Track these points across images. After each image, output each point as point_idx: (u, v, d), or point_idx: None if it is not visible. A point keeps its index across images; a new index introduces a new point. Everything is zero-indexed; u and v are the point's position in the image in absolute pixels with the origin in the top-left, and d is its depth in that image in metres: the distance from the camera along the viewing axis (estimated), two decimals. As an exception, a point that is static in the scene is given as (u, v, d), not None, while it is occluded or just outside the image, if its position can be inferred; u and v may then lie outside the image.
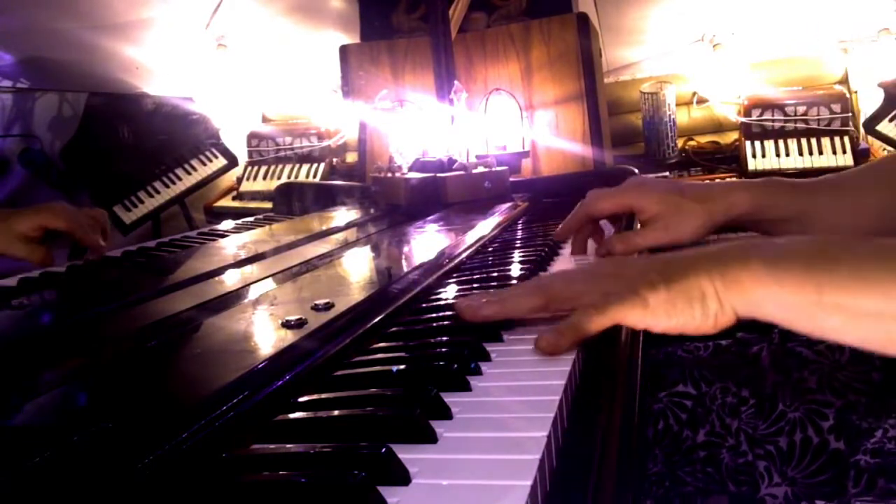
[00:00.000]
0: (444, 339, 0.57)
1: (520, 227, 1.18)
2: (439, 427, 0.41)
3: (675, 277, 0.54)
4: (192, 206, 2.37)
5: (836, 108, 2.10)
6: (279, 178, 2.44)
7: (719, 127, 2.32)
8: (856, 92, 2.22)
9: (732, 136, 2.27)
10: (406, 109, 1.61)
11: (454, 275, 0.82)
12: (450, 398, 0.44)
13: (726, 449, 0.73)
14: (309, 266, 0.82)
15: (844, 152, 2.07)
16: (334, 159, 2.49)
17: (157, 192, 2.18)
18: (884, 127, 2.06)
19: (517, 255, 0.89)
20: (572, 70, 1.75)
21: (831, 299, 0.49)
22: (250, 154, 2.55)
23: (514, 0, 1.96)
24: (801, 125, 2.13)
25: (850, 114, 2.11)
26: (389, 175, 1.45)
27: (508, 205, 1.32)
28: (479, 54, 1.84)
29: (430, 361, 0.51)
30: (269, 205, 1.92)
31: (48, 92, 2.05)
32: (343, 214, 1.42)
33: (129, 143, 2.14)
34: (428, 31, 1.75)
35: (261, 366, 0.46)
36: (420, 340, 0.58)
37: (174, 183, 2.24)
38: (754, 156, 2.13)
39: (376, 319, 0.61)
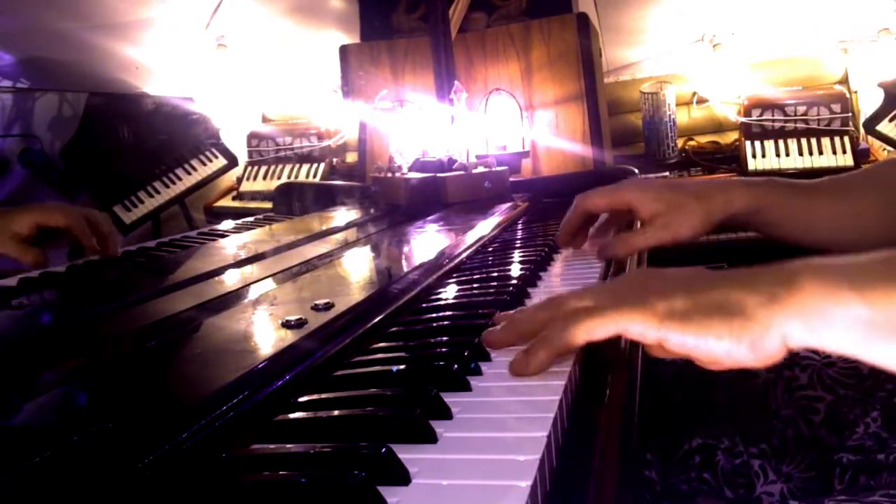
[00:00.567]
0: (444, 339, 0.57)
1: (520, 227, 1.18)
2: (439, 427, 0.41)
3: (698, 286, 0.44)
4: (192, 206, 2.38)
5: (836, 108, 2.10)
6: (279, 178, 2.45)
7: (719, 127, 2.32)
8: (856, 92, 2.22)
9: (732, 136, 2.28)
10: (406, 109, 1.61)
11: (454, 275, 0.82)
12: (450, 398, 0.44)
13: (722, 451, 0.73)
14: (309, 266, 0.82)
15: (844, 152, 2.07)
16: (334, 159, 2.49)
17: (157, 192, 2.18)
18: (884, 127, 2.06)
19: (517, 255, 0.89)
20: (572, 70, 1.75)
21: None
22: (250, 154, 2.55)
23: (514, 0, 1.96)
24: (801, 125, 2.13)
25: (850, 114, 2.11)
26: (389, 175, 1.45)
27: (508, 205, 1.32)
28: (479, 54, 1.84)
29: (430, 361, 0.51)
30: (269, 205, 1.92)
31: (48, 92, 2.05)
32: (343, 214, 1.42)
33: (129, 143, 2.14)
34: (428, 31, 1.75)
35: (261, 366, 0.46)
36: (420, 340, 0.58)
37: (174, 183, 2.24)
38: (754, 156, 2.13)
39: (376, 319, 0.61)
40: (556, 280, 0.79)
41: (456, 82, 1.56)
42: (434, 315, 0.65)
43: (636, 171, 1.56)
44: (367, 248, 0.99)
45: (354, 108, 1.90)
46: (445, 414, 0.43)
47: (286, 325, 0.54)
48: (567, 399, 0.45)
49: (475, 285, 0.75)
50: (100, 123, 2.06)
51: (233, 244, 1.11)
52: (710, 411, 0.76)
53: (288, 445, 0.39)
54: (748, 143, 2.15)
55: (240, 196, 2.49)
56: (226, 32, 2.33)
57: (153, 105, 2.23)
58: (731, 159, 2.24)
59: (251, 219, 1.54)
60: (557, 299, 0.52)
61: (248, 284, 0.73)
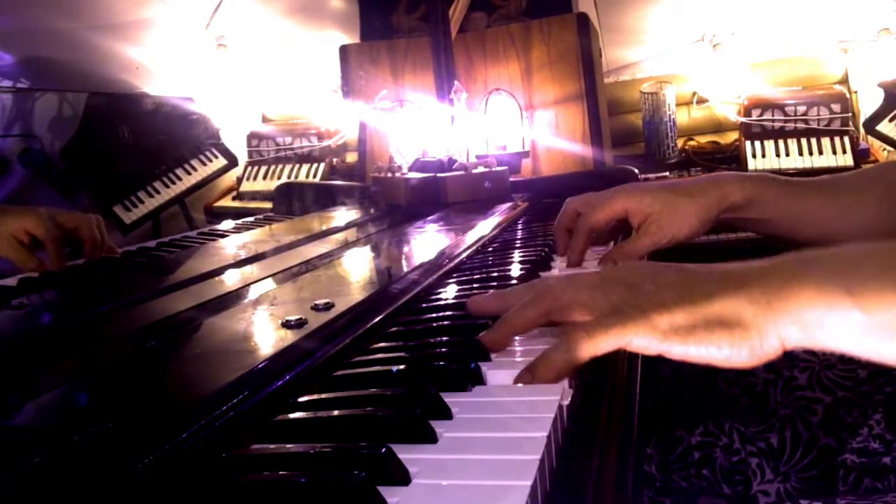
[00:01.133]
0: (444, 339, 0.57)
1: (520, 227, 1.18)
2: (439, 427, 0.41)
3: (695, 298, 0.45)
4: (192, 206, 2.38)
5: (836, 108, 2.10)
6: (279, 178, 2.44)
7: (719, 127, 2.32)
8: (856, 92, 2.22)
9: (732, 136, 2.28)
10: (406, 109, 1.61)
11: (454, 275, 0.82)
12: (450, 398, 0.44)
13: (720, 448, 0.73)
14: (309, 266, 0.82)
15: (844, 152, 2.07)
16: (334, 159, 2.49)
17: (157, 192, 2.18)
18: (884, 127, 2.06)
19: (517, 255, 0.89)
20: (572, 70, 1.75)
21: None
22: (250, 154, 2.55)
23: (514, 0, 1.96)
24: (801, 125, 2.13)
25: (850, 114, 2.11)
26: (389, 175, 1.45)
27: (508, 205, 1.32)
28: (479, 54, 1.84)
29: (430, 361, 0.51)
30: (269, 205, 1.92)
31: (48, 92, 2.05)
32: (343, 214, 1.42)
33: (129, 143, 2.14)
34: (428, 31, 1.75)
35: (261, 366, 0.46)
36: (420, 340, 0.58)
37: (174, 183, 2.24)
38: (754, 156, 2.13)
39: (376, 319, 0.61)
40: (556, 280, 0.79)
41: (456, 82, 1.56)
42: (434, 315, 0.65)
43: (636, 171, 1.56)
44: (367, 248, 0.99)
45: (354, 108, 1.90)
46: (445, 414, 0.43)
47: (286, 325, 0.54)
48: (567, 399, 0.45)
49: (475, 285, 0.75)
50: (100, 123, 2.06)
51: (233, 244, 1.11)
52: (710, 408, 0.76)
53: (288, 445, 0.39)
54: (748, 143, 2.15)
55: (240, 196, 2.49)
56: (226, 32, 2.33)
57: (153, 105, 2.23)
58: (731, 159, 2.24)
59: (251, 219, 1.54)
60: (546, 291, 0.52)
61: (248, 284, 0.73)
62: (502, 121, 1.70)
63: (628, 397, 0.51)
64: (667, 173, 2.24)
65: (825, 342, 0.42)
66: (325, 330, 0.55)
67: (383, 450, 0.36)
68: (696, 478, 0.74)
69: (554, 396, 0.44)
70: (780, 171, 2.08)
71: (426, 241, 1.04)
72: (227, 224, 1.52)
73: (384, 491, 0.33)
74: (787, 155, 2.11)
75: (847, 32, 2.19)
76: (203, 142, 2.37)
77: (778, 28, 2.22)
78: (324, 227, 1.17)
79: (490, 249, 0.97)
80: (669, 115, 2.22)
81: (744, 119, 2.17)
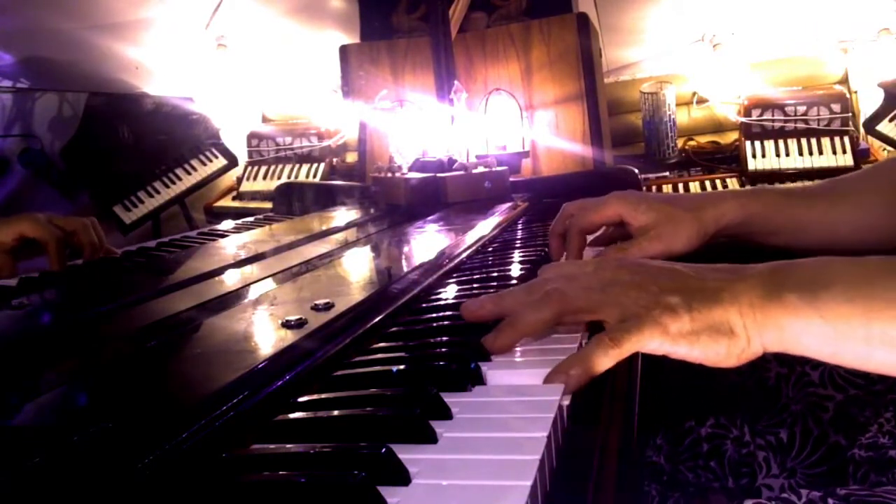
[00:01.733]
0: (444, 339, 0.57)
1: (520, 227, 1.18)
2: (439, 427, 0.40)
3: (699, 307, 0.50)
4: (192, 206, 2.38)
5: (836, 108, 2.10)
6: (279, 178, 2.45)
7: (719, 127, 2.32)
8: (856, 92, 2.22)
9: (732, 136, 2.28)
10: (406, 109, 1.61)
11: (454, 275, 0.82)
12: (450, 398, 0.44)
13: (731, 440, 0.74)
14: (309, 266, 0.82)
15: (844, 152, 2.07)
16: (334, 159, 2.49)
17: (157, 192, 2.18)
18: (884, 127, 2.06)
19: (517, 255, 0.89)
20: (572, 70, 1.75)
21: (881, 330, 0.45)
22: (250, 154, 2.55)
23: (514, 0, 1.96)
24: (801, 125, 2.12)
25: (850, 114, 2.11)
26: (389, 175, 1.45)
27: (508, 205, 1.32)
28: (479, 54, 1.84)
29: (429, 361, 0.51)
30: (269, 205, 1.92)
31: (48, 92, 2.05)
32: (343, 214, 1.42)
33: (129, 143, 2.14)
34: (428, 31, 1.75)
35: (261, 366, 0.46)
36: (420, 340, 0.58)
37: (174, 183, 2.24)
38: (754, 156, 2.13)
39: (376, 319, 0.61)
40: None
41: (456, 82, 1.56)
42: (434, 315, 0.65)
43: (636, 171, 1.56)
44: (367, 248, 0.99)
45: (354, 108, 1.90)
46: (445, 414, 0.43)
47: (286, 325, 0.54)
48: (567, 399, 0.45)
49: (475, 285, 0.75)
50: (100, 123, 2.06)
51: (233, 244, 1.11)
52: (721, 401, 0.76)
53: (288, 445, 0.39)
54: (748, 143, 2.15)
55: (240, 196, 2.49)
56: (226, 32, 2.33)
57: (153, 105, 2.23)
58: (731, 159, 2.24)
59: (251, 219, 1.54)
60: (555, 294, 0.54)
61: (248, 284, 0.73)
62: (502, 121, 1.70)
63: (629, 397, 0.51)
64: (667, 173, 2.24)
65: (800, 350, 0.49)
66: (325, 330, 0.55)
67: (383, 450, 0.36)
68: (703, 469, 0.74)
69: (554, 396, 0.44)
70: (780, 171, 2.10)
71: (426, 241, 1.04)
72: (227, 224, 1.52)
73: (384, 491, 0.33)
74: (787, 155, 2.11)
75: (847, 32, 2.19)
76: (203, 142, 2.37)
77: (778, 28, 2.22)
78: (324, 227, 1.17)
79: (490, 249, 0.97)
80: (669, 115, 2.22)
81: (744, 119, 2.17)
